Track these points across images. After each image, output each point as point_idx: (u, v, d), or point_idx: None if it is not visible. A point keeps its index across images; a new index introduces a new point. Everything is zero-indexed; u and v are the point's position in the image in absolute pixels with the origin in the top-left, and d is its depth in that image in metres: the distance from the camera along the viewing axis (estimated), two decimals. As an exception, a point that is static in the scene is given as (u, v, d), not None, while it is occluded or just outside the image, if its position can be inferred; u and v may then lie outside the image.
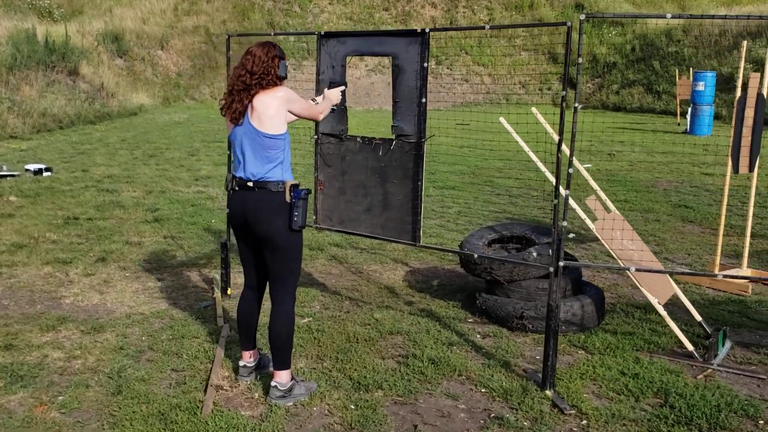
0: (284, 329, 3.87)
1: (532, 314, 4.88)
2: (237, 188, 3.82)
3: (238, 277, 5.83)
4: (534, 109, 4.86)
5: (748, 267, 6.36)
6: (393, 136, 4.43)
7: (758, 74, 6.04)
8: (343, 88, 4.45)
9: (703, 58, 22.91)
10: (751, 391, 4.16)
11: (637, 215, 8.84)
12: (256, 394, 4.02)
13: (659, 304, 4.68)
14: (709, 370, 4.39)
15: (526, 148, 4.91)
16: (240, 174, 3.81)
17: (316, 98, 4.32)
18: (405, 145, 4.40)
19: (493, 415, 3.84)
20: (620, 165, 12.88)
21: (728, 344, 4.76)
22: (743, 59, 6.24)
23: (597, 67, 27.41)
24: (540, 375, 4.20)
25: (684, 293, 5.20)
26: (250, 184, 3.76)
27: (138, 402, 3.89)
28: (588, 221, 4.91)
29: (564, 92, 3.82)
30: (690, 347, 4.56)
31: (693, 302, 5.62)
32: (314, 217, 5.14)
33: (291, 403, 3.88)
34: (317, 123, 4.83)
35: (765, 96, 6.32)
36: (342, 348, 4.64)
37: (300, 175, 8.85)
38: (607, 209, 4.92)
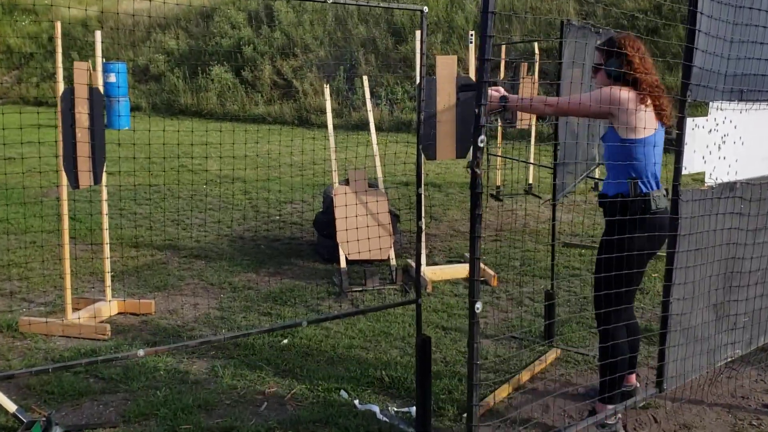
0: None
1: None
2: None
3: None
4: None
5: (115, 297, 5.12)
6: None
7: (85, 63, 4.74)
8: None
9: (120, 49, 21.78)
10: None
11: (12, 239, 6.94)
12: None
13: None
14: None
15: None
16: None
17: None
18: None
19: None
20: (17, 170, 10.65)
21: (55, 436, 3.33)
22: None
23: (13, 58, 23.99)
24: None
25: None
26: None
27: None
28: None
29: None
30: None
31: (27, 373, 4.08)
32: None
33: None
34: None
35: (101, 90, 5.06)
36: None
37: None
38: None
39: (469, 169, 1.79)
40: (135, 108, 17.91)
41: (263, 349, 4.37)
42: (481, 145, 1.77)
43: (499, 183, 8.95)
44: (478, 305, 1.80)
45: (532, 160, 8.71)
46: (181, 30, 20.58)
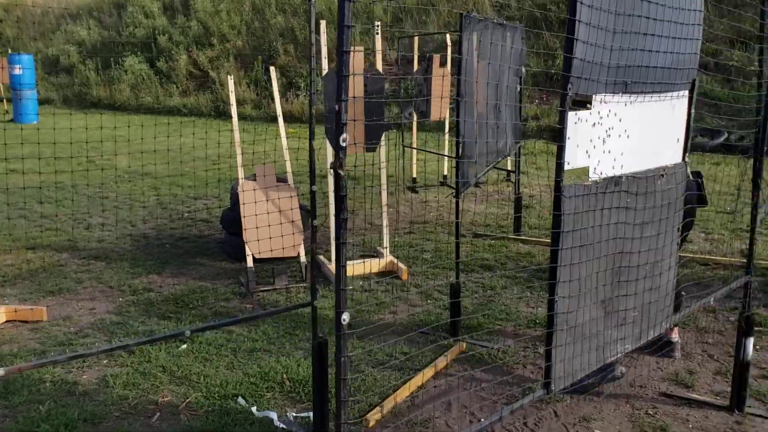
0: None
1: None
2: None
3: None
4: None
5: (3, 304, 4.75)
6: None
7: None
8: None
9: (29, 40, 20.65)
10: None
11: None
12: None
13: None
14: None
15: None
16: None
17: None
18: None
19: None
20: None
21: None
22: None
23: None
24: None
25: None
26: None
27: None
28: None
29: None
30: None
31: None
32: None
33: None
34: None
35: None
36: None
37: None
38: None
39: (331, 170, 1.65)
40: (45, 101, 17.03)
41: (159, 356, 4.12)
42: (344, 144, 1.63)
43: (414, 175, 8.88)
44: (345, 317, 1.66)
45: (446, 152, 8.67)
46: (93, 20, 19.68)
